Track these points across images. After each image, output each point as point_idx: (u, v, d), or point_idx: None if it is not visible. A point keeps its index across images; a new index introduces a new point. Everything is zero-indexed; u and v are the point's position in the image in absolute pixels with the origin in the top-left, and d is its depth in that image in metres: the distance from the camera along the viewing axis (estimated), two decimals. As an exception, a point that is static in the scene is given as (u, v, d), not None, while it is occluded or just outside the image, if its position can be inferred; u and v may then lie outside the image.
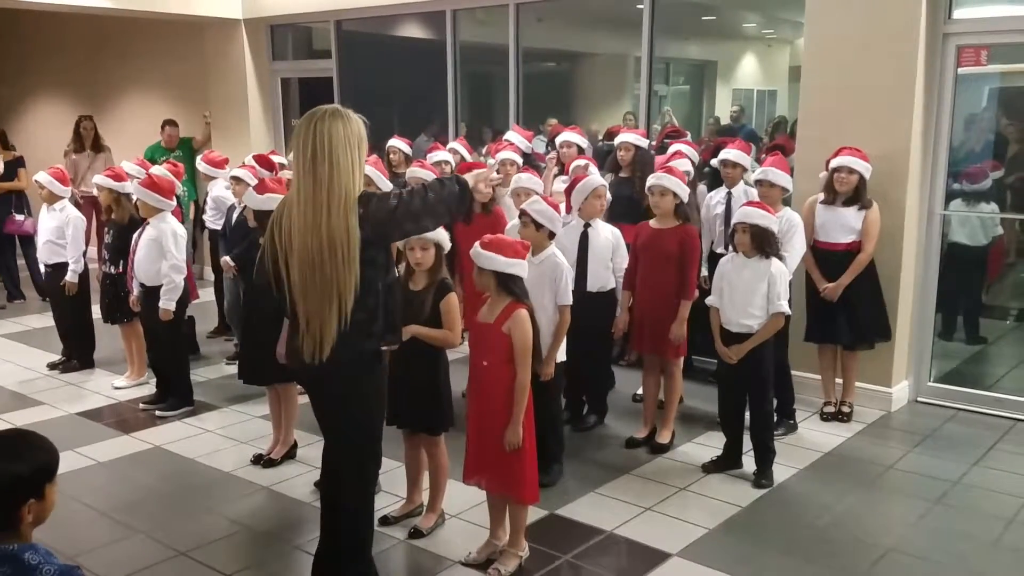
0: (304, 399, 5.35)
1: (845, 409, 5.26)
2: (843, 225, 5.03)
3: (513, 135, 6.51)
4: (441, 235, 3.64)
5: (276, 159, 6.62)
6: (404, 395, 3.76)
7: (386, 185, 5.28)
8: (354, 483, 3.19)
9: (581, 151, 6.10)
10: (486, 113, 8.62)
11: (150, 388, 5.82)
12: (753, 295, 4.26)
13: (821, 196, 5.11)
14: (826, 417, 5.25)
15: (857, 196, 4.99)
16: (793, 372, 5.08)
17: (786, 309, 4.26)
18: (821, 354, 5.30)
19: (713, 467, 4.53)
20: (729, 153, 5.29)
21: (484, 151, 7.22)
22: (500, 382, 3.39)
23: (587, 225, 4.78)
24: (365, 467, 3.23)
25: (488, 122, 8.46)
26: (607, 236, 4.77)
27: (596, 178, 4.94)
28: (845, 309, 5.07)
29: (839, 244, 5.05)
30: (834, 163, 4.99)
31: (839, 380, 5.32)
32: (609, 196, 4.97)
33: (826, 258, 5.10)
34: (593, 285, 4.75)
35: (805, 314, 5.23)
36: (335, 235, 2.86)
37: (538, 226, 4.19)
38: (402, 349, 3.73)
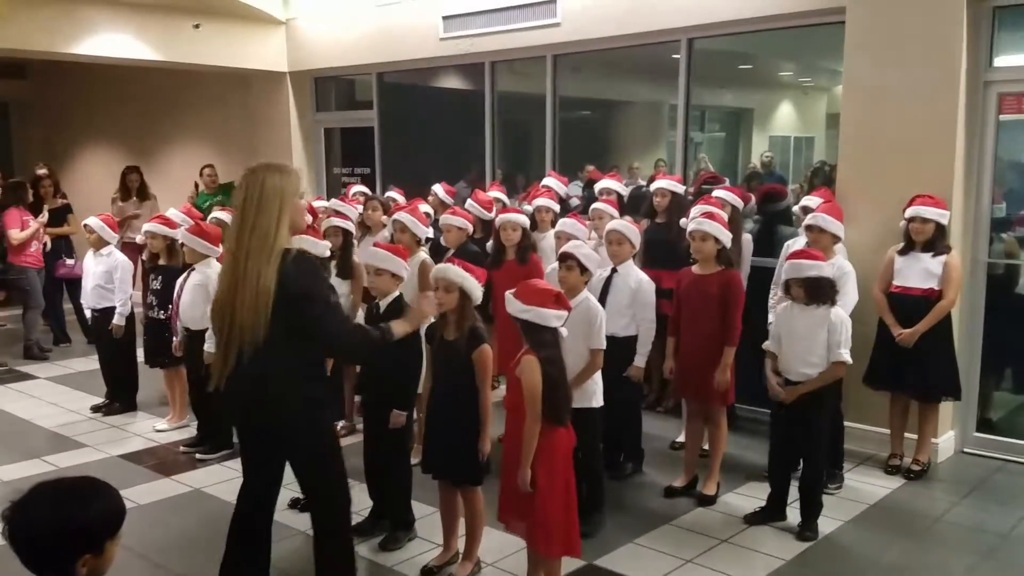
0: (341, 442, 5.38)
1: (915, 467, 5.04)
2: (921, 270, 4.91)
3: (551, 181, 6.58)
4: (468, 281, 3.66)
5: (318, 204, 6.75)
6: (443, 445, 3.76)
7: (421, 232, 5.32)
8: None
9: (621, 199, 6.12)
10: (522, 161, 8.72)
11: (191, 431, 5.88)
12: (813, 343, 4.19)
13: (900, 246, 5.03)
14: (891, 471, 5.09)
15: (932, 243, 4.89)
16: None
17: (847, 358, 4.18)
18: (893, 404, 5.15)
19: (756, 518, 4.44)
20: (810, 200, 5.24)
21: (519, 198, 7.30)
22: (518, 426, 3.41)
23: (613, 270, 4.78)
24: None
25: (524, 170, 8.56)
26: (629, 283, 4.71)
27: (611, 223, 4.97)
28: (915, 359, 4.90)
29: (915, 289, 4.92)
30: (908, 213, 4.91)
31: (908, 435, 5.14)
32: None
33: (901, 303, 4.95)
34: (607, 329, 4.69)
35: (868, 358, 5.09)
36: (249, 276, 2.99)
37: (583, 269, 4.19)
38: (440, 399, 3.75)
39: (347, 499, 3.38)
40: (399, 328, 3.37)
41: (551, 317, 3.38)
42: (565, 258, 4.23)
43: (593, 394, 4.17)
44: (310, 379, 3.17)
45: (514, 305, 3.41)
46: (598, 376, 4.18)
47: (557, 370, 3.41)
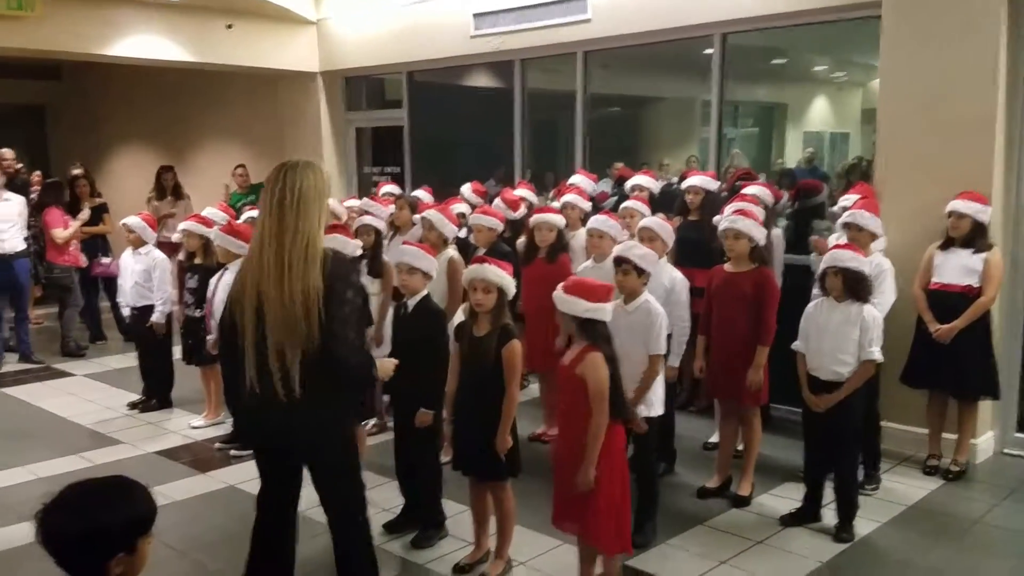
0: (372, 440, 5.41)
1: (954, 468, 4.95)
2: (960, 266, 4.83)
3: (579, 178, 6.54)
4: (506, 280, 3.65)
5: (350, 203, 6.79)
6: (471, 442, 3.76)
7: (449, 230, 5.31)
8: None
9: (652, 196, 6.07)
10: (551, 158, 8.70)
11: (226, 428, 5.94)
12: (845, 341, 4.12)
13: (940, 242, 4.95)
14: (929, 471, 5.01)
15: (972, 239, 4.82)
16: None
17: (878, 357, 4.10)
18: (931, 404, 5.07)
19: (791, 520, 4.39)
20: (848, 199, 5.14)
21: (551, 195, 7.27)
22: (575, 425, 3.37)
23: None
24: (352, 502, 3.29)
25: (552, 167, 8.54)
26: (662, 282, 4.58)
27: (644, 220, 4.95)
28: (953, 357, 4.81)
29: (954, 286, 4.84)
30: (947, 208, 4.85)
31: (947, 435, 5.05)
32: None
33: (940, 300, 4.88)
34: None
35: (907, 357, 5.00)
36: (295, 284, 2.90)
37: (640, 272, 4.04)
38: (468, 396, 3.75)
39: (365, 508, 3.34)
40: (382, 369, 3.30)
41: (609, 312, 3.39)
42: (620, 262, 4.07)
43: (652, 403, 4.07)
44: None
45: (578, 305, 3.35)
46: (660, 385, 4.08)
47: (615, 366, 3.40)
